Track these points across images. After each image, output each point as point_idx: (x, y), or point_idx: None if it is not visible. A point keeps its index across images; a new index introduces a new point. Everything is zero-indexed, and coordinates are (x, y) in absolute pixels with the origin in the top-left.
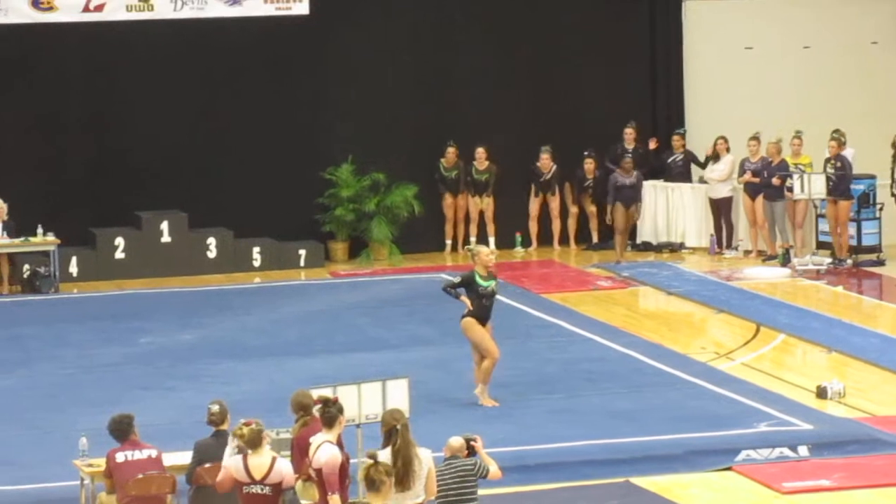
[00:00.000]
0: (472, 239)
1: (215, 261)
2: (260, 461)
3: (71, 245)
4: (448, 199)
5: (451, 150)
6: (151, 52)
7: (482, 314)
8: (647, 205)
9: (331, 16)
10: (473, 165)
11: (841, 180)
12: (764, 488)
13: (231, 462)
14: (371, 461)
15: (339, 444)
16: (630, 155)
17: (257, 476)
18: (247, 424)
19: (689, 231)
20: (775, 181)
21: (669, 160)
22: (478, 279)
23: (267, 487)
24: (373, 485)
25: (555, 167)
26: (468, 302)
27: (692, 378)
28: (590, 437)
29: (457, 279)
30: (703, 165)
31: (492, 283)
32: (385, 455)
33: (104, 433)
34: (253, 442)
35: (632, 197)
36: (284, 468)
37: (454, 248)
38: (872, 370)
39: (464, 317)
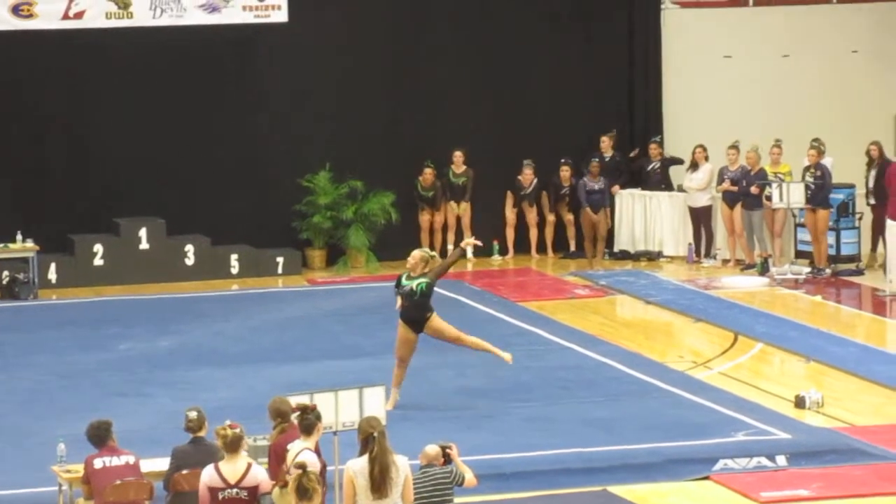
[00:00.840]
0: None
1: (193, 268)
2: (234, 466)
3: (50, 252)
4: (425, 215)
5: (428, 171)
6: (130, 60)
7: (404, 314)
8: (625, 213)
9: (309, 24)
10: (451, 169)
11: (820, 189)
12: (742, 498)
13: (204, 475)
14: (300, 470)
15: (317, 451)
16: (596, 159)
17: (231, 480)
18: (231, 427)
19: (667, 240)
20: (753, 190)
21: (648, 168)
22: (402, 279)
23: (243, 491)
24: (305, 494)
25: (535, 181)
26: (398, 302)
27: (669, 387)
28: (566, 445)
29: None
30: (681, 161)
31: (410, 283)
32: (362, 462)
33: (82, 439)
34: (232, 445)
35: (599, 202)
36: (259, 473)
37: None
38: (850, 380)
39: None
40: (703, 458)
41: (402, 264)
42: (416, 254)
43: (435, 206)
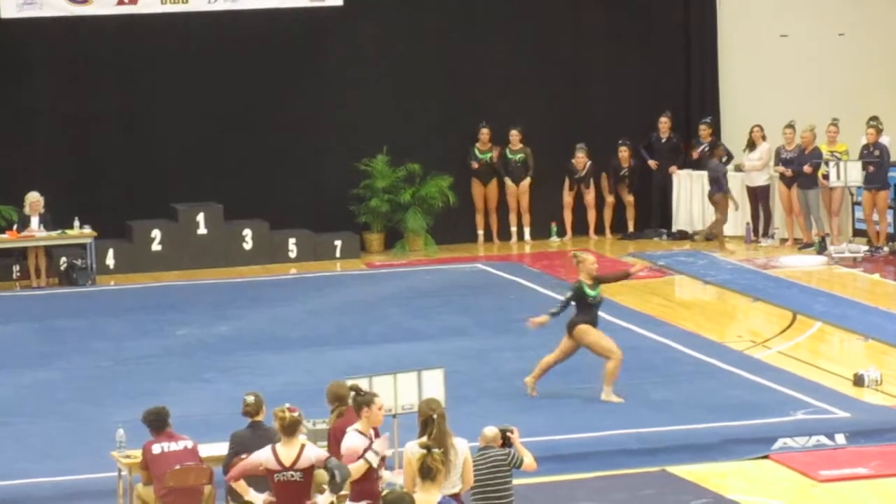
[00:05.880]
0: (564, 241)
1: (251, 252)
2: (289, 450)
3: (107, 237)
4: (477, 188)
5: (484, 132)
6: (186, 45)
7: (594, 323)
8: (683, 193)
9: (364, 6)
10: (508, 148)
11: (879, 168)
12: (801, 476)
13: (261, 453)
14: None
15: (376, 434)
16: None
17: (287, 463)
18: (291, 410)
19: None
20: (806, 169)
21: (699, 149)
22: (586, 290)
23: (297, 473)
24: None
25: (589, 164)
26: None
27: (728, 367)
28: (626, 426)
29: (567, 294)
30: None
31: (598, 292)
32: None
33: (141, 425)
34: (289, 429)
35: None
36: (313, 452)
37: (487, 238)
38: None
39: (577, 324)
40: (762, 438)
41: (461, 247)
42: (593, 258)
43: (487, 178)
